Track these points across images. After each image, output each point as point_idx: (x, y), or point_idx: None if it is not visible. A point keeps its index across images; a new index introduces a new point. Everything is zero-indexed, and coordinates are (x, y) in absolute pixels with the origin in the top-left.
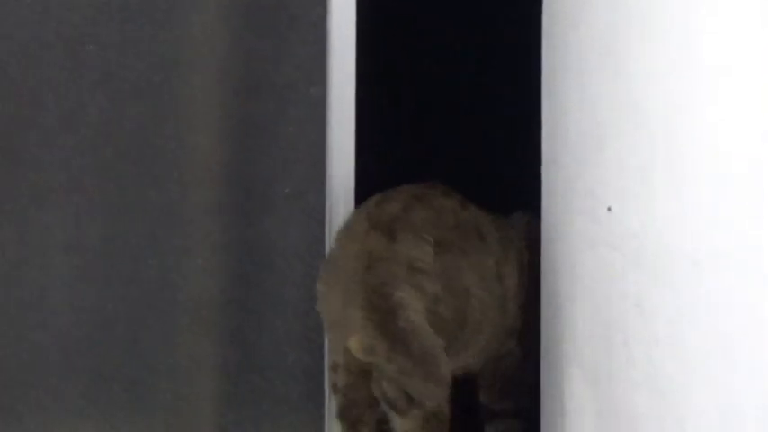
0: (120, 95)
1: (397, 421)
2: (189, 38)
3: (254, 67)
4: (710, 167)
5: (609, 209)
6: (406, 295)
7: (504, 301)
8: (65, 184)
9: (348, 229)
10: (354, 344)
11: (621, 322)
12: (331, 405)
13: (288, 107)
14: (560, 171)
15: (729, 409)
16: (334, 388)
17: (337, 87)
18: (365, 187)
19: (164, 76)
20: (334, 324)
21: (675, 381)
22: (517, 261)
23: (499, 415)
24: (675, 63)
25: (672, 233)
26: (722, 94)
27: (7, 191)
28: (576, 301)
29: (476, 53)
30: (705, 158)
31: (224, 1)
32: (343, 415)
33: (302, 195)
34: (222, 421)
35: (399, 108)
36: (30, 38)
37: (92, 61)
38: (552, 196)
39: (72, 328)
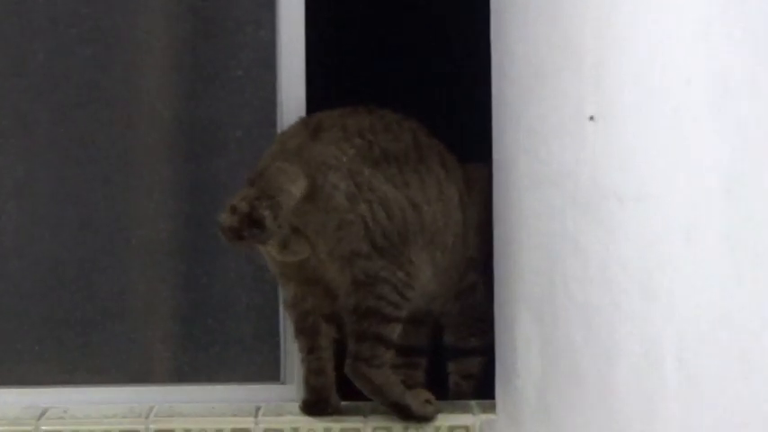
0: (69, 40)
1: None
2: None
3: (202, 11)
4: (635, 106)
5: (548, 146)
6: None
7: (465, 229)
8: (13, 128)
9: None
10: (270, 247)
11: (561, 261)
12: (286, 346)
13: (237, 51)
14: (507, 108)
15: (650, 344)
16: (285, 305)
17: (286, 30)
18: None
19: (111, 21)
20: None
21: (604, 317)
22: (481, 198)
23: (465, 353)
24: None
25: (601, 171)
26: (644, 34)
27: None
28: (523, 240)
29: None
30: (630, 97)
31: None
32: (299, 328)
33: (253, 139)
34: (176, 364)
35: (350, 50)
36: None
37: (40, 6)
38: (501, 133)
39: (23, 273)
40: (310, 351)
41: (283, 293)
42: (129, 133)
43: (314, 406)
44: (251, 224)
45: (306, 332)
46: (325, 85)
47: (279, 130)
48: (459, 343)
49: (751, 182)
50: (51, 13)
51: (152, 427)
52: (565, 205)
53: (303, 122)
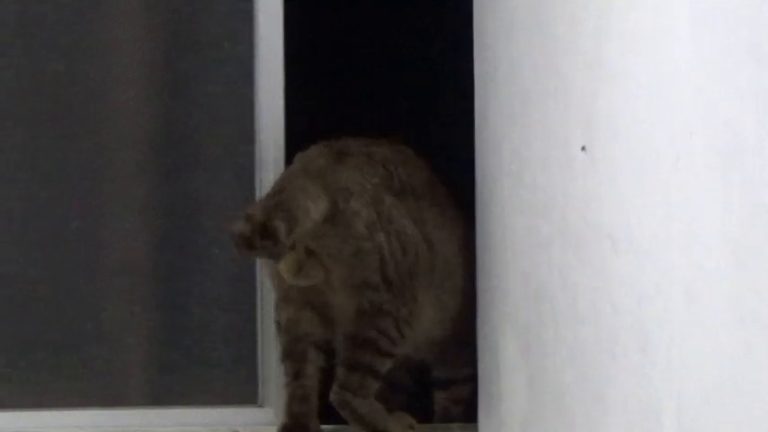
0: (41, 53)
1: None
2: None
3: (178, 24)
4: (630, 149)
5: (533, 173)
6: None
7: (466, 268)
8: None
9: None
10: (283, 265)
11: (549, 294)
12: (264, 369)
13: (214, 65)
14: (490, 129)
15: (648, 400)
16: (278, 327)
17: (264, 44)
18: (295, 145)
19: (84, 33)
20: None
21: (597, 362)
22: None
23: (457, 382)
24: (595, 29)
25: (592, 208)
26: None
27: None
28: (508, 264)
29: (410, 6)
30: (626, 140)
31: None
32: (287, 352)
33: (231, 155)
34: (152, 387)
35: (330, 64)
36: None
37: (10, 19)
38: (484, 154)
39: None
40: (296, 377)
41: (278, 316)
42: (103, 150)
43: (292, 431)
44: (264, 235)
45: (294, 357)
46: (304, 99)
47: (257, 147)
48: (451, 373)
49: (763, 254)
50: (22, 27)
51: None
52: (552, 236)
53: (326, 146)
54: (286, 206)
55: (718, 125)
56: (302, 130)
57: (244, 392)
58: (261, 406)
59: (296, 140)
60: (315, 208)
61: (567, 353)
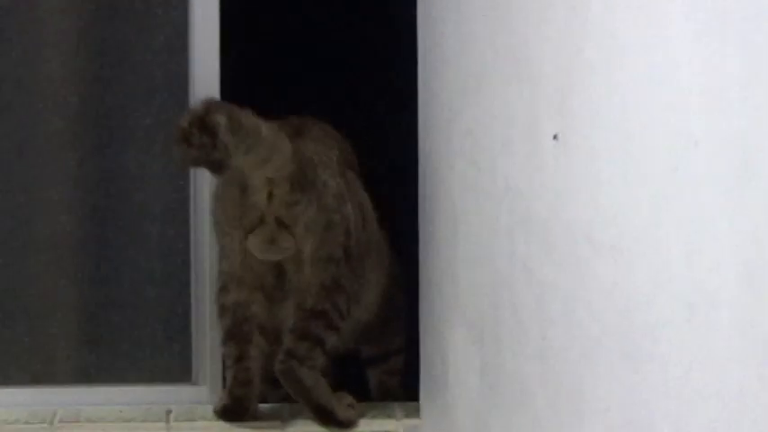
0: None
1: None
2: None
3: None
4: (613, 144)
5: (492, 158)
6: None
7: (385, 244)
8: None
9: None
10: (254, 238)
11: (509, 287)
12: (197, 346)
13: (146, 32)
14: (438, 106)
15: (637, 414)
16: (222, 309)
17: (199, 10)
18: None
19: (11, 2)
20: (231, 230)
21: (571, 366)
22: None
23: (387, 355)
24: (571, 12)
25: (565, 204)
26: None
27: None
28: (457, 248)
29: None
30: (606, 132)
31: None
32: (231, 334)
33: (163, 126)
34: (81, 364)
35: (266, 32)
36: None
37: None
38: (429, 131)
39: None
40: (239, 359)
41: (223, 298)
42: (30, 120)
43: (232, 413)
44: (202, 128)
45: (238, 339)
46: (241, 68)
47: None
48: (382, 349)
49: None
50: None
51: None
52: (513, 226)
53: (279, 123)
54: (235, 114)
55: (728, 135)
56: (238, 100)
57: (177, 370)
58: (195, 384)
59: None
60: (275, 145)
61: (533, 351)
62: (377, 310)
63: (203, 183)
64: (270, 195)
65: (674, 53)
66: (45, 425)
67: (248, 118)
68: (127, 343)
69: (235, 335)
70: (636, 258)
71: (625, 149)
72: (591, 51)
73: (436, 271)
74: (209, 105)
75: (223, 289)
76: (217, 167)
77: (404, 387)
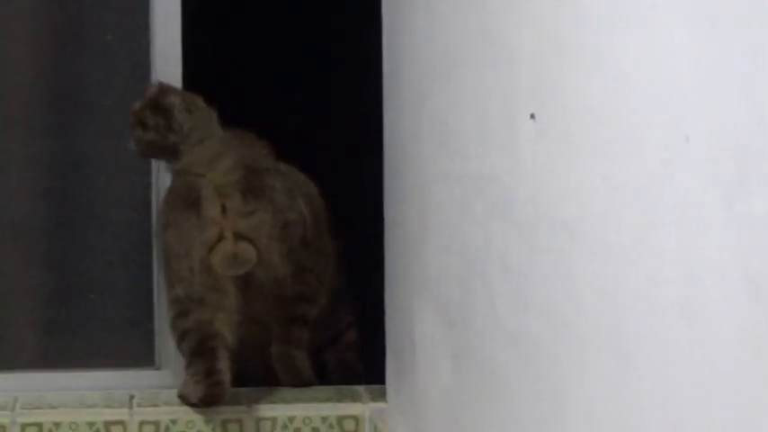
0: None
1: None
2: None
3: None
4: (596, 135)
5: (463, 141)
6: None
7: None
8: None
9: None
10: (215, 257)
11: (482, 274)
12: (161, 330)
13: (106, 11)
14: (405, 88)
15: (629, 413)
16: (183, 333)
17: None
18: None
19: None
20: (188, 251)
21: (550, 358)
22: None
23: (340, 333)
24: None
25: (543, 191)
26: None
27: None
28: (426, 232)
29: None
30: (589, 121)
31: None
32: (196, 352)
33: (124, 107)
34: (42, 349)
35: (229, 10)
36: None
37: None
38: (395, 113)
39: None
40: (209, 374)
41: (184, 323)
42: None
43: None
44: (156, 110)
45: (204, 355)
46: (202, 48)
47: None
48: (334, 331)
49: None
50: None
51: (19, 420)
52: (486, 212)
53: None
54: (188, 96)
55: (721, 130)
56: (199, 81)
57: (140, 354)
58: (158, 368)
59: (194, 92)
60: (226, 142)
61: (509, 341)
62: (325, 299)
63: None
64: (223, 209)
65: (664, 40)
66: (6, 411)
67: (200, 101)
68: (89, 328)
69: (201, 352)
70: (624, 255)
71: (610, 142)
72: (573, 36)
73: (403, 256)
74: (161, 87)
75: (180, 315)
76: (171, 152)
77: (363, 358)
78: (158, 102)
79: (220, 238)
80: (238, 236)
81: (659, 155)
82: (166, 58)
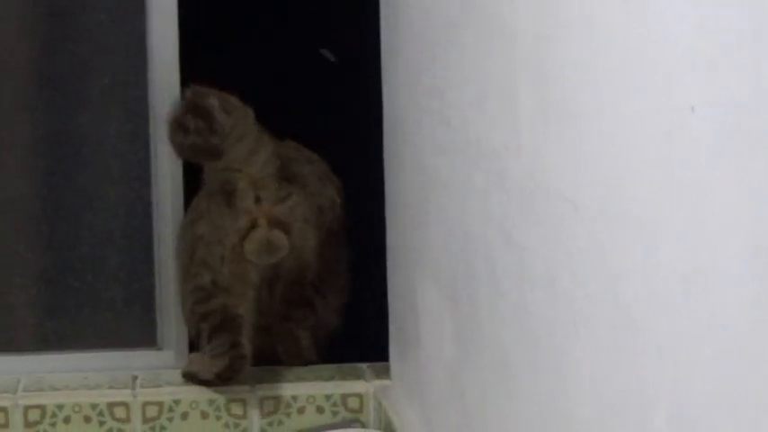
0: None
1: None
2: None
3: None
4: (597, 106)
5: (463, 114)
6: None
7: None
8: None
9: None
10: (249, 245)
11: (485, 248)
12: (162, 310)
13: None
14: (402, 61)
15: (631, 388)
16: (205, 315)
17: None
18: (190, 77)
19: None
20: (221, 240)
21: (554, 331)
22: None
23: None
24: None
25: (544, 166)
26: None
27: None
28: (428, 206)
29: None
30: (589, 92)
31: None
32: (220, 329)
33: (120, 87)
34: (42, 331)
35: None
36: None
37: None
38: (393, 90)
39: None
40: (233, 346)
41: (206, 306)
42: None
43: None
44: (196, 113)
45: (230, 330)
46: (199, 27)
47: (149, 78)
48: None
49: None
50: None
51: (21, 402)
52: (489, 187)
53: None
54: (224, 96)
55: (727, 100)
56: (197, 62)
57: (141, 335)
58: (160, 348)
59: (190, 73)
60: (261, 137)
61: (511, 314)
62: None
63: (165, 144)
64: (257, 199)
65: (667, 6)
66: (8, 394)
67: (236, 100)
68: (90, 309)
69: (225, 327)
70: (626, 225)
71: (612, 111)
72: (572, 6)
73: (405, 231)
74: (196, 90)
75: (203, 300)
76: (215, 153)
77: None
78: (197, 104)
79: (254, 226)
80: (273, 223)
81: (662, 124)
82: (163, 37)
